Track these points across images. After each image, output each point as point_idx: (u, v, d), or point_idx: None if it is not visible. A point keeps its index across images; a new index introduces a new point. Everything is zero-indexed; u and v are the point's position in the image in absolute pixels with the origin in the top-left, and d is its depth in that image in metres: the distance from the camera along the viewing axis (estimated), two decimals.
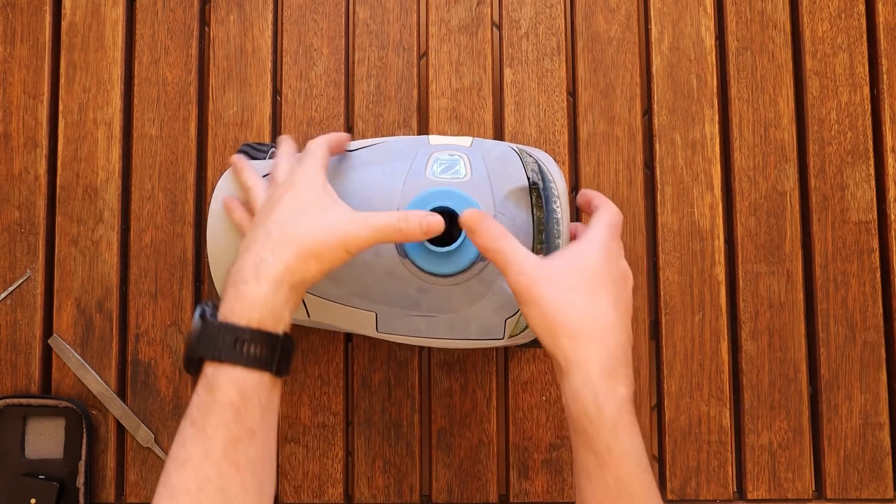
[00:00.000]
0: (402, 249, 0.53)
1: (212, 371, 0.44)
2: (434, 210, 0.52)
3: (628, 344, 0.48)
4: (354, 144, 0.59)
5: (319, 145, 0.54)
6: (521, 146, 0.59)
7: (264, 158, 0.63)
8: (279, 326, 0.46)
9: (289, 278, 0.46)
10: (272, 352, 0.45)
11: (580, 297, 0.47)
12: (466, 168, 0.55)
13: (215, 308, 0.46)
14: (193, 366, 0.45)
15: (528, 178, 0.55)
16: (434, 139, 0.58)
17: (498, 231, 0.49)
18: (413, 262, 0.53)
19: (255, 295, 0.45)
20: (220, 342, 0.44)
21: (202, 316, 0.45)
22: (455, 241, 0.52)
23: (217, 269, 0.59)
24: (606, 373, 0.46)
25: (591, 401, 0.45)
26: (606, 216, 0.52)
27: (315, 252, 0.47)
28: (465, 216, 0.49)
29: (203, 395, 0.44)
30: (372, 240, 0.48)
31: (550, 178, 0.56)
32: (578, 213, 0.70)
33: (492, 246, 0.49)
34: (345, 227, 0.48)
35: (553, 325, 0.47)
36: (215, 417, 0.43)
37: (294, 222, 0.48)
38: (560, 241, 0.55)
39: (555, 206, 0.55)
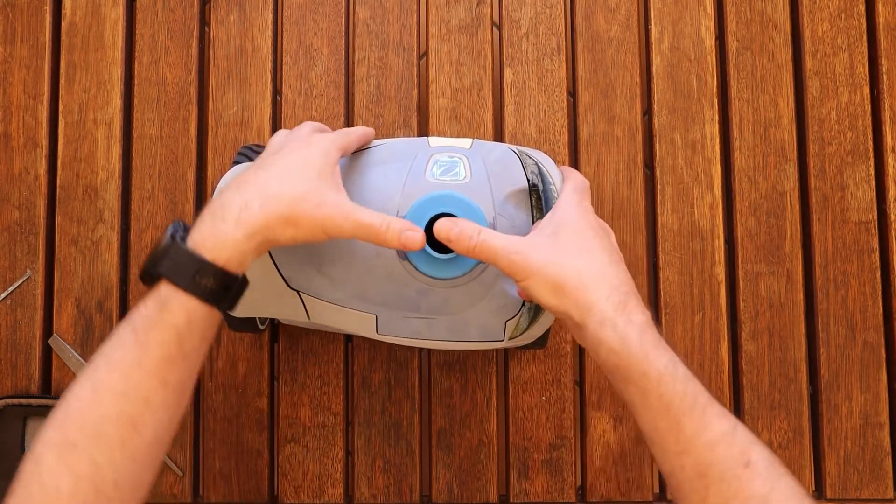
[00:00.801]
0: (402, 252, 0.53)
1: (166, 292, 0.45)
2: (435, 217, 0.52)
3: (630, 280, 0.50)
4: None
5: (350, 132, 0.55)
6: (521, 148, 0.59)
7: None
8: (240, 270, 0.48)
9: (264, 233, 0.47)
10: (227, 291, 0.46)
11: (573, 252, 0.49)
12: (466, 170, 0.55)
13: (186, 232, 0.48)
14: (150, 279, 0.47)
15: (528, 180, 0.55)
16: (434, 141, 0.58)
17: (472, 229, 0.50)
18: (413, 266, 0.53)
19: (228, 237, 0.46)
20: (182, 268, 0.46)
21: (172, 237, 0.47)
22: None
23: None
24: (619, 306, 0.47)
25: (615, 336, 0.46)
26: (572, 183, 0.54)
27: (296, 221, 0.48)
28: (437, 231, 0.51)
29: (151, 309, 0.45)
30: (351, 234, 0.50)
31: (550, 179, 0.56)
32: None
33: (472, 245, 0.50)
34: (331, 211, 0.49)
35: (557, 285, 0.48)
36: (158, 334, 0.45)
37: (292, 182, 0.49)
38: None
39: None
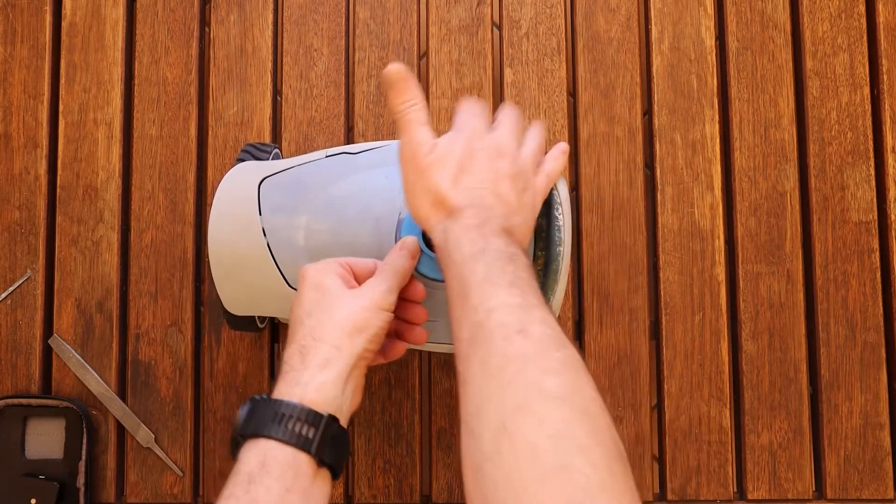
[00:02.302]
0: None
1: (248, 445, 0.43)
2: None
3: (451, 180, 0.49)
4: (356, 147, 0.59)
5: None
6: None
7: (267, 159, 0.63)
8: (327, 408, 0.45)
9: (336, 356, 0.46)
10: (314, 430, 0.43)
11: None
12: None
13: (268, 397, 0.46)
14: (236, 448, 0.45)
15: None
16: None
17: (414, 94, 0.50)
18: (414, 267, 0.53)
19: (299, 375, 0.45)
20: (262, 416, 0.44)
21: (252, 399, 0.45)
22: None
23: (218, 270, 0.59)
24: (433, 210, 0.48)
25: (441, 235, 0.47)
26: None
27: (357, 325, 0.47)
28: (391, 68, 0.50)
29: (239, 471, 0.43)
30: (395, 288, 0.50)
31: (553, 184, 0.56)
32: (579, 215, 0.70)
33: (401, 108, 0.50)
34: (368, 296, 0.49)
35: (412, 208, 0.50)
36: (239, 488, 0.42)
37: (328, 318, 0.48)
38: (560, 248, 0.55)
39: (556, 213, 0.55)
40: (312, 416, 0.44)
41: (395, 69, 0.50)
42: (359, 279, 0.51)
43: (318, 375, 0.45)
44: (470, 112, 0.52)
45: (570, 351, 0.40)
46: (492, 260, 0.43)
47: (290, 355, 0.47)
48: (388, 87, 0.50)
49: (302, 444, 0.43)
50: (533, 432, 0.35)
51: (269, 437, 0.43)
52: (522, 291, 0.42)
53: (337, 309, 0.48)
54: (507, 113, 0.54)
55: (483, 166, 0.49)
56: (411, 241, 0.52)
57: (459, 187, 0.48)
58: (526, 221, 0.50)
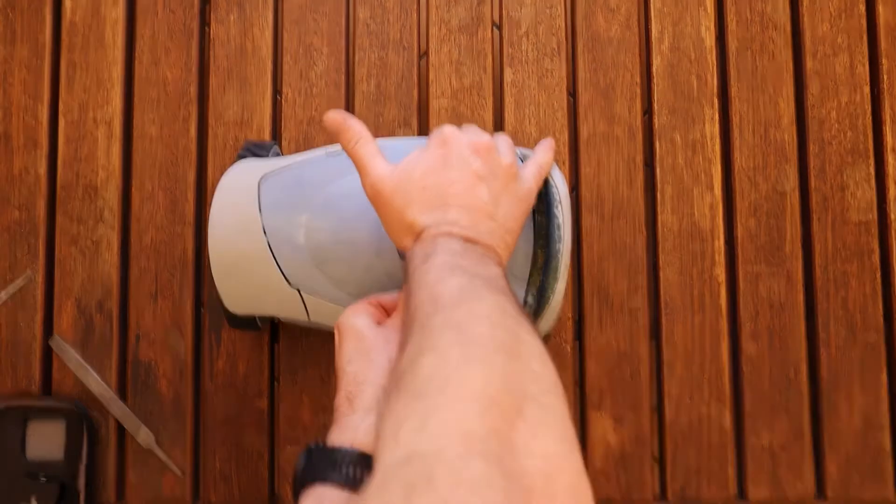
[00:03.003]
0: (403, 252, 0.53)
1: (306, 492, 0.44)
2: None
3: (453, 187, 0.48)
4: None
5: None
6: (523, 149, 0.59)
7: (266, 156, 0.64)
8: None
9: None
10: (366, 470, 0.43)
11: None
12: None
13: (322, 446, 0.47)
14: (297, 497, 0.45)
15: None
16: None
17: (356, 132, 0.51)
18: None
19: (349, 420, 0.46)
20: (317, 463, 0.44)
21: (307, 447, 0.46)
22: None
23: (218, 268, 0.59)
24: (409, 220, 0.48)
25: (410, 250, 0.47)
26: (439, 129, 0.52)
27: (394, 361, 0.47)
28: (329, 118, 0.51)
29: None
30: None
31: (552, 182, 0.56)
32: (579, 215, 0.70)
33: (349, 149, 0.51)
34: (398, 327, 0.49)
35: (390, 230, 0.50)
36: None
37: (367, 362, 0.48)
38: (560, 246, 0.55)
39: (556, 211, 0.55)
40: (364, 458, 0.44)
41: (330, 117, 0.51)
42: (388, 311, 0.52)
43: (367, 418, 0.45)
44: (440, 127, 0.52)
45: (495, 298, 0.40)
46: (440, 262, 0.44)
47: (339, 402, 0.48)
48: (333, 134, 0.51)
49: (355, 484, 0.43)
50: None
51: (325, 481, 0.43)
52: (470, 276, 0.42)
53: (374, 351, 0.48)
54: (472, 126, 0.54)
55: (451, 176, 0.49)
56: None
57: (423, 207, 0.48)
58: (506, 222, 0.49)
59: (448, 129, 0.51)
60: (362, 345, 0.49)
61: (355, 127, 0.50)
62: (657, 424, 0.69)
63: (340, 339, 0.50)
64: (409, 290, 0.44)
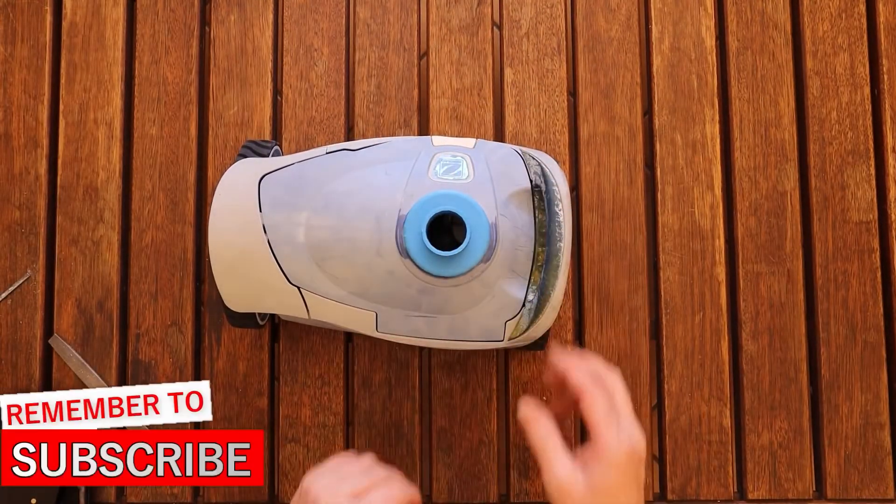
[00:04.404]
0: (404, 250, 0.53)
1: None
2: (437, 215, 0.52)
3: None
4: (357, 144, 0.59)
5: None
6: (524, 148, 0.59)
7: (267, 156, 0.64)
8: None
9: None
10: None
11: None
12: (469, 169, 0.55)
13: None
14: None
15: (531, 181, 0.55)
16: (437, 140, 0.58)
17: (546, 430, 0.52)
18: (415, 263, 0.53)
19: None
20: None
21: None
22: (458, 244, 0.52)
23: (218, 266, 0.59)
24: None
25: None
26: (629, 440, 0.52)
27: None
28: (522, 414, 0.53)
29: None
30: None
31: (553, 181, 0.56)
32: (579, 215, 0.70)
33: (536, 444, 0.52)
34: None
35: None
36: None
37: None
38: (561, 244, 0.55)
39: (557, 210, 0.55)
40: None
41: (523, 413, 0.54)
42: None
43: None
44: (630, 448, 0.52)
45: None
46: None
47: None
48: (523, 426, 0.53)
49: None
50: None
51: None
52: None
53: None
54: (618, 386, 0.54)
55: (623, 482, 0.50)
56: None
57: None
58: None
59: (640, 446, 0.52)
60: None
61: (545, 425, 0.53)
62: (657, 424, 0.69)
63: None
64: None
